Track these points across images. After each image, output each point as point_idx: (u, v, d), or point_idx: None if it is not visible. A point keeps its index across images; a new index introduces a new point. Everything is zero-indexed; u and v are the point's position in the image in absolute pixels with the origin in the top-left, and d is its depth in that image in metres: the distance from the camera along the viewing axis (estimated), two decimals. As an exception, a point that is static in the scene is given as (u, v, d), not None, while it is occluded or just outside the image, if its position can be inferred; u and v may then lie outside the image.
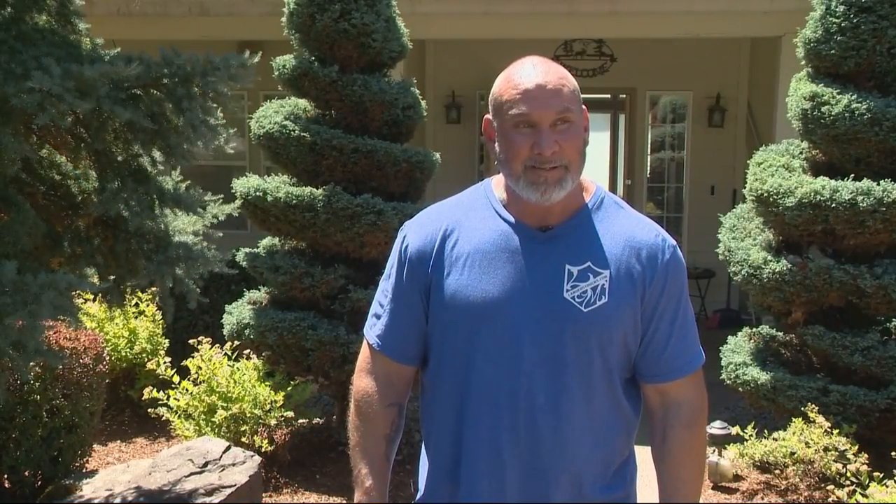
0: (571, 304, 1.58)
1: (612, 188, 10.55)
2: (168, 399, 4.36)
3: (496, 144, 1.62)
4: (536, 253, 1.61)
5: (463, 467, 1.64)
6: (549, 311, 1.59)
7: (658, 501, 1.71)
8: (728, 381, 4.55)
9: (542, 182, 1.55)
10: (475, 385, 1.62)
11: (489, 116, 1.64)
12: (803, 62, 4.50)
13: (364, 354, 1.76)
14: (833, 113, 4.15)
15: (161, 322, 5.35)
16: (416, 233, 1.70)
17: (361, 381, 1.74)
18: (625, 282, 1.61)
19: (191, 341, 4.54)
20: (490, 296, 1.60)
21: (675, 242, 1.70)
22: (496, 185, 1.71)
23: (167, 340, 5.35)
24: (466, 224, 1.66)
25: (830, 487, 3.92)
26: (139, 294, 5.27)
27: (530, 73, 1.58)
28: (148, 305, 5.34)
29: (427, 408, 1.74)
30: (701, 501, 1.65)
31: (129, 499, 3.54)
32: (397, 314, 1.71)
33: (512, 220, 1.64)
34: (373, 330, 1.74)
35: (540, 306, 1.59)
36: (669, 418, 1.68)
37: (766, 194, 4.27)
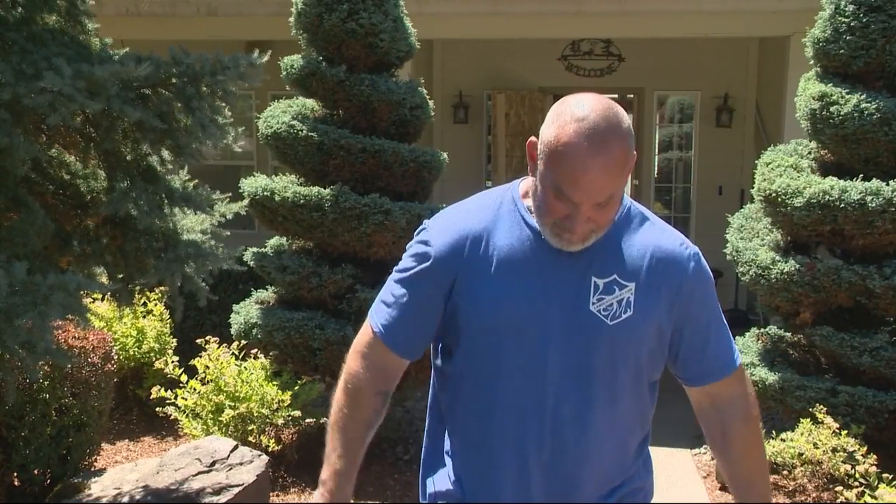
0: (597, 318, 1.58)
1: (620, 188, 10.52)
2: (176, 398, 4.37)
3: (534, 174, 1.56)
4: (563, 264, 1.59)
5: (490, 472, 1.65)
6: (575, 323, 1.58)
7: (734, 501, 1.75)
8: (736, 382, 4.53)
9: (567, 239, 1.54)
10: (503, 393, 1.62)
11: (536, 141, 1.55)
12: (812, 62, 4.49)
13: (364, 338, 1.72)
14: (842, 113, 4.14)
15: (169, 321, 5.36)
16: (442, 234, 1.66)
17: (355, 363, 1.71)
18: (651, 293, 1.60)
19: (198, 341, 4.55)
20: (520, 306, 1.59)
21: (698, 250, 1.69)
22: (524, 192, 1.67)
23: (175, 340, 5.35)
24: (495, 231, 1.64)
25: (839, 489, 3.91)
26: (147, 293, 5.28)
27: (589, 158, 1.45)
28: (156, 304, 5.35)
29: (449, 405, 1.72)
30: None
31: (137, 497, 3.55)
32: (409, 308, 1.67)
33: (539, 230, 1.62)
34: (379, 316, 1.70)
35: (566, 319, 1.58)
36: (725, 416, 1.69)
37: (774, 194, 4.26)
